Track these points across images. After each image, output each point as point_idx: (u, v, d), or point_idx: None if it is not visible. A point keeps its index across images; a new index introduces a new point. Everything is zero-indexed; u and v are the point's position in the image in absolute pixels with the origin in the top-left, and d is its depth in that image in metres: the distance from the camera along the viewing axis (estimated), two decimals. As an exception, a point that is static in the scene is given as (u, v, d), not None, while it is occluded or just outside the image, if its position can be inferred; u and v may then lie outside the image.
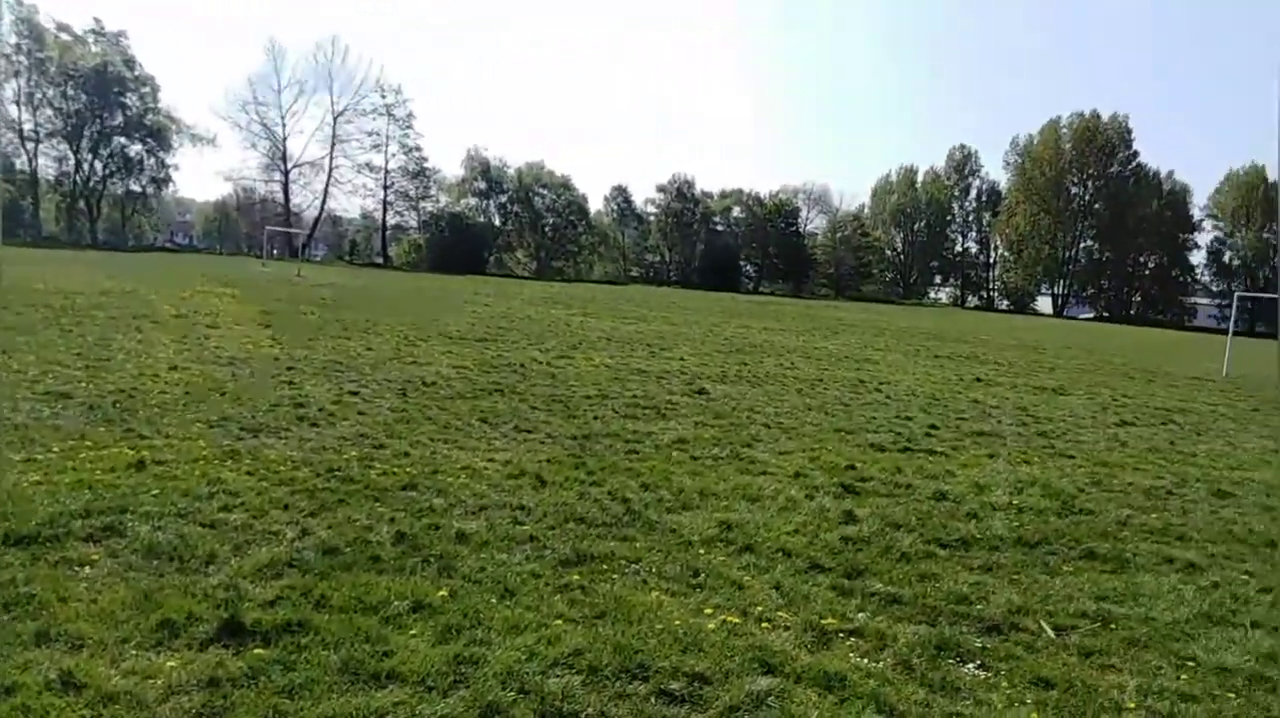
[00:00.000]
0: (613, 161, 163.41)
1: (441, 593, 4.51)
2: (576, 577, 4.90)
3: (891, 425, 10.77)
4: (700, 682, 3.81)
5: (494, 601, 4.49)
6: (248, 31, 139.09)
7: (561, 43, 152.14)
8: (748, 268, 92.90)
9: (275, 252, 66.43)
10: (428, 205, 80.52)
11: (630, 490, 6.75)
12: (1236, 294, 50.12)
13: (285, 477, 6.39)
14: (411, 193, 79.49)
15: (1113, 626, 4.72)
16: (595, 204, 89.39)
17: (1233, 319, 34.06)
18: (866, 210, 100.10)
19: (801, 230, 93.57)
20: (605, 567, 5.10)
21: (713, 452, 8.43)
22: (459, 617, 4.25)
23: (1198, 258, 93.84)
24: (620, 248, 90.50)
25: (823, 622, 4.50)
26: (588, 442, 8.48)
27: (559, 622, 4.29)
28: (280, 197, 76.01)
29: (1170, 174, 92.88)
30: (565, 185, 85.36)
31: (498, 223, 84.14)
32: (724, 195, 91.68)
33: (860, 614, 4.66)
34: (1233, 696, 3.99)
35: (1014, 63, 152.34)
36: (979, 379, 17.21)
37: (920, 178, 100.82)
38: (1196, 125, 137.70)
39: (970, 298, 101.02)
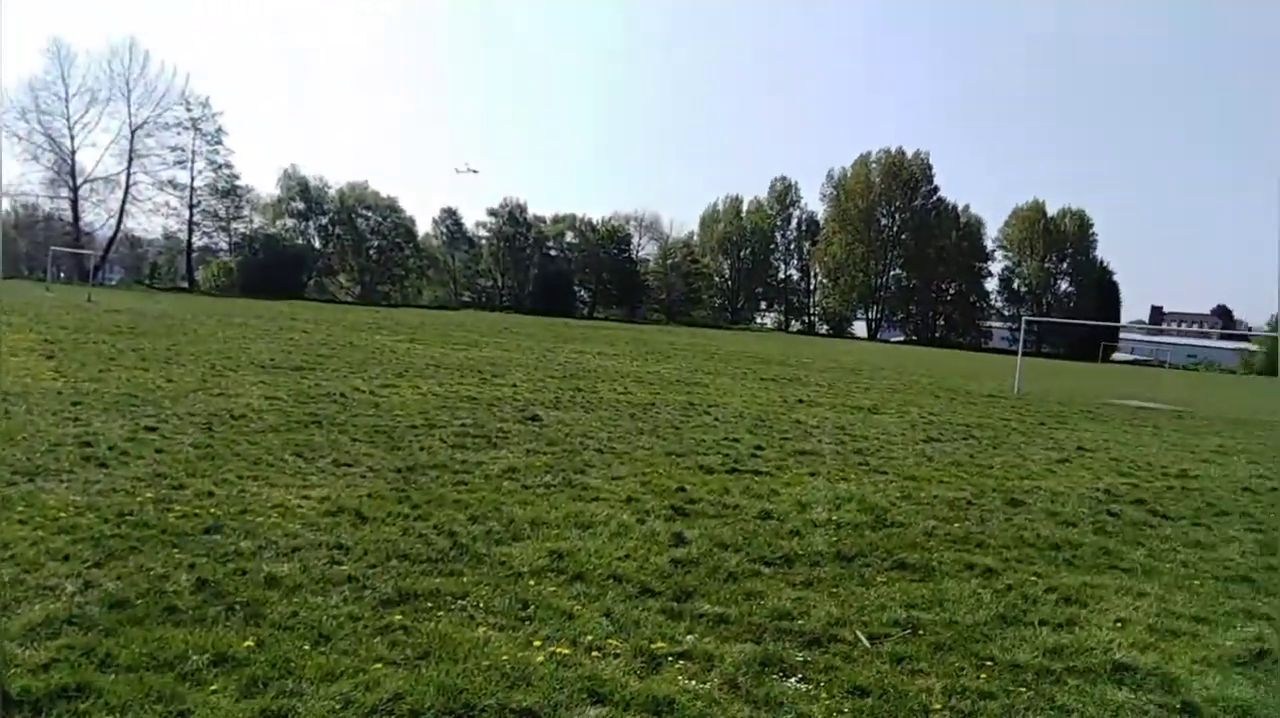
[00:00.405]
0: (442, 183, 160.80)
1: (247, 643, 4.17)
2: (399, 617, 4.67)
3: (720, 447, 11.05)
4: (528, 717, 3.71)
5: (307, 648, 4.20)
6: (29, 31, 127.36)
7: (384, 62, 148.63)
8: (582, 293, 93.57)
9: (62, 275, 60.84)
10: (240, 226, 76.17)
11: (458, 523, 6.54)
12: (1024, 318, 55.18)
13: (66, 524, 5.75)
14: (221, 212, 74.79)
15: (921, 631, 5.00)
16: (424, 227, 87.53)
17: (1021, 341, 37.49)
18: (696, 238, 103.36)
19: (634, 257, 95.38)
20: (430, 605, 4.89)
21: (545, 480, 8.33)
22: (267, 668, 3.94)
23: (991, 285, 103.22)
24: (450, 272, 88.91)
25: (652, 647, 4.50)
26: (413, 474, 8.17)
27: (378, 666, 4.06)
28: (68, 214, 69.49)
29: (966, 208, 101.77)
30: (391, 207, 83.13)
31: (318, 245, 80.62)
32: (557, 220, 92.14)
33: (689, 637, 4.69)
34: (1024, 690, 4.30)
35: (831, 98, 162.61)
36: (801, 400, 18.02)
37: (745, 207, 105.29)
38: (987, 164, 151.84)
39: (793, 322, 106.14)
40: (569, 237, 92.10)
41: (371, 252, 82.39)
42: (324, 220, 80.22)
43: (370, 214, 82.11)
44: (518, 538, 6.31)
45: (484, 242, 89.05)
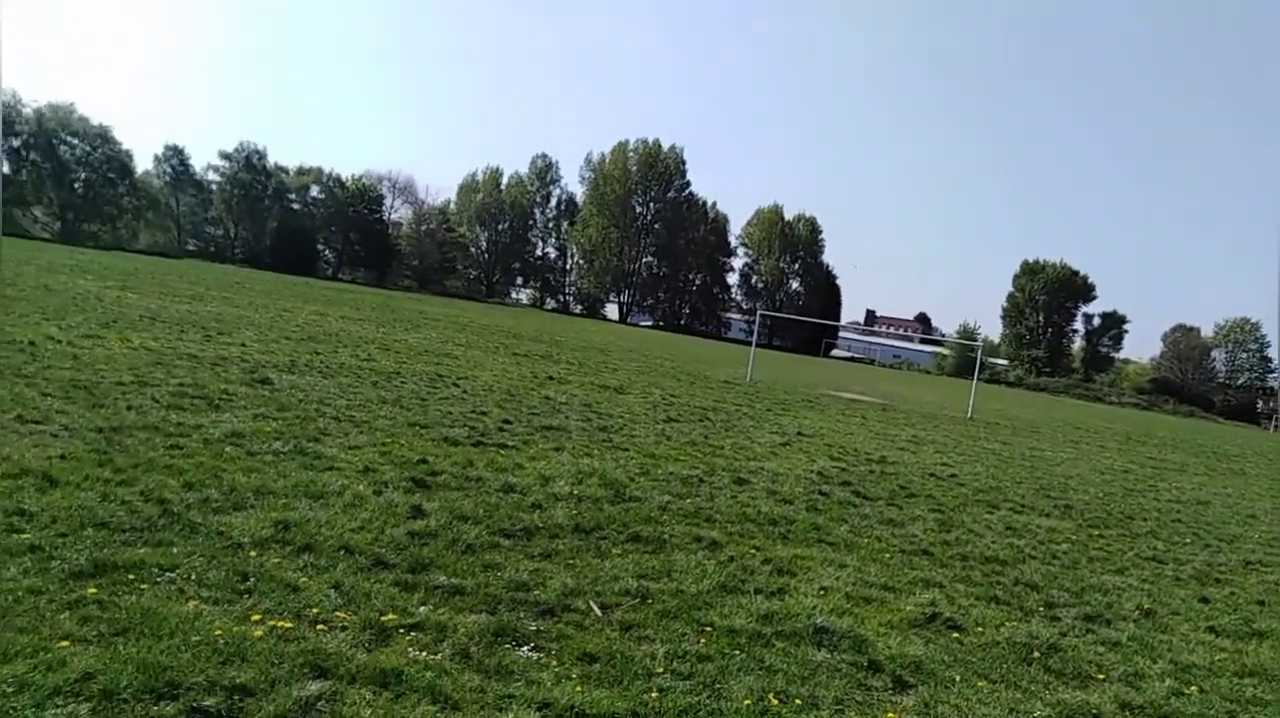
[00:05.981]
0: (170, 116, 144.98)
1: (-110, 624, 3.55)
2: (93, 590, 4.18)
3: (467, 420, 10.91)
4: (242, 694, 3.47)
5: (-30, 627, 3.65)
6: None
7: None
8: (327, 252, 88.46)
9: None
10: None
11: (169, 490, 5.96)
12: (760, 312, 59.45)
13: None
14: None
15: (650, 600, 5.25)
16: (144, 163, 78.53)
17: (755, 333, 40.36)
18: (453, 206, 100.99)
19: (386, 219, 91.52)
20: (132, 577, 4.43)
21: (274, 447, 7.79)
22: (-86, 652, 3.38)
23: (733, 279, 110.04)
24: (174, 216, 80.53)
25: (383, 619, 4.37)
26: (118, 435, 7.33)
27: (65, 643, 3.62)
28: None
29: (714, 204, 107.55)
30: (103, 136, 73.74)
31: (7, 170, 69.82)
32: (302, 172, 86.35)
33: (422, 608, 4.61)
34: (738, 653, 4.65)
35: (598, 84, 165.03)
36: (551, 377, 18.21)
37: (505, 181, 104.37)
38: (734, 165, 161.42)
39: (549, 300, 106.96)
40: (314, 191, 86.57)
41: (77, 185, 72.63)
42: (16, 144, 69.53)
43: (76, 142, 72.27)
44: (239, 507, 5.86)
45: (215, 186, 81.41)
